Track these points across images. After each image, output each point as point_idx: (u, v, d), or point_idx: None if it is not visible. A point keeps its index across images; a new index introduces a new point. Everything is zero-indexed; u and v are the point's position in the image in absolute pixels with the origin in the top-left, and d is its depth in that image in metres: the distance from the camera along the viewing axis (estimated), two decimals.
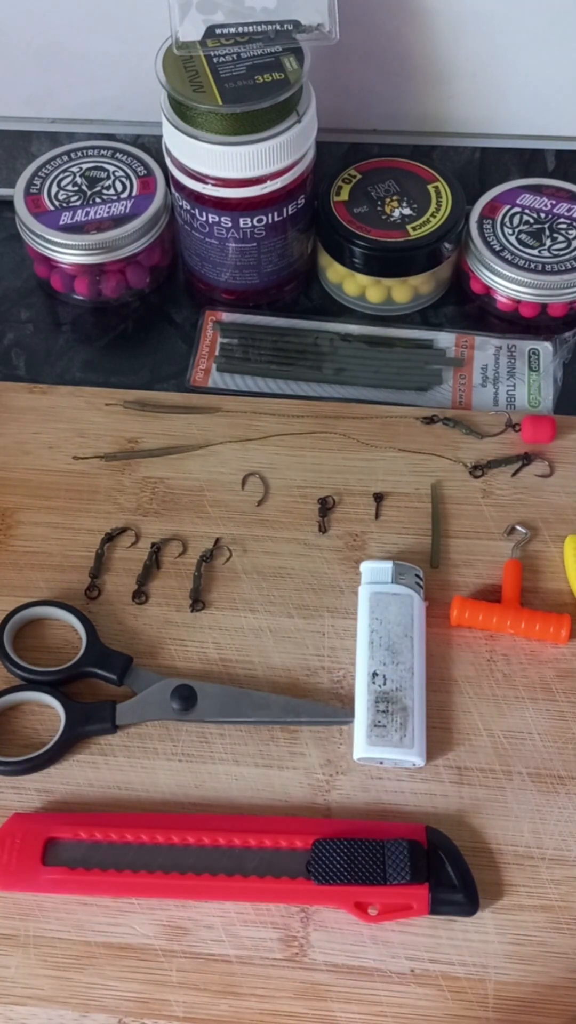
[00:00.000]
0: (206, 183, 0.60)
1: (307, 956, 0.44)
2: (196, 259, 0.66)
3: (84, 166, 0.68)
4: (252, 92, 0.56)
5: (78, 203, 0.66)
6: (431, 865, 0.45)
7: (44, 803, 0.49)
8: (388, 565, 0.53)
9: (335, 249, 0.66)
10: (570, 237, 0.65)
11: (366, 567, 0.53)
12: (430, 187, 0.66)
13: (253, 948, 0.45)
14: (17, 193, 0.67)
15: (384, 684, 0.49)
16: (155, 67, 0.58)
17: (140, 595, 0.55)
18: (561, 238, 0.65)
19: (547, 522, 0.57)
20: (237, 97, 0.56)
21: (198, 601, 0.55)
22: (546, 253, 0.65)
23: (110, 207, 0.66)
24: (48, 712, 0.51)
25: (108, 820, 0.47)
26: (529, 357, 0.65)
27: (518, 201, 0.67)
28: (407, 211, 0.65)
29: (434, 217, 0.65)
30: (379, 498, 0.58)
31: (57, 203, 0.66)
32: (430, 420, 0.61)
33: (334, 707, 0.51)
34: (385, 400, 0.63)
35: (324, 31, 0.59)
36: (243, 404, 0.62)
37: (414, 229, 0.65)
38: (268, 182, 0.60)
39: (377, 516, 0.58)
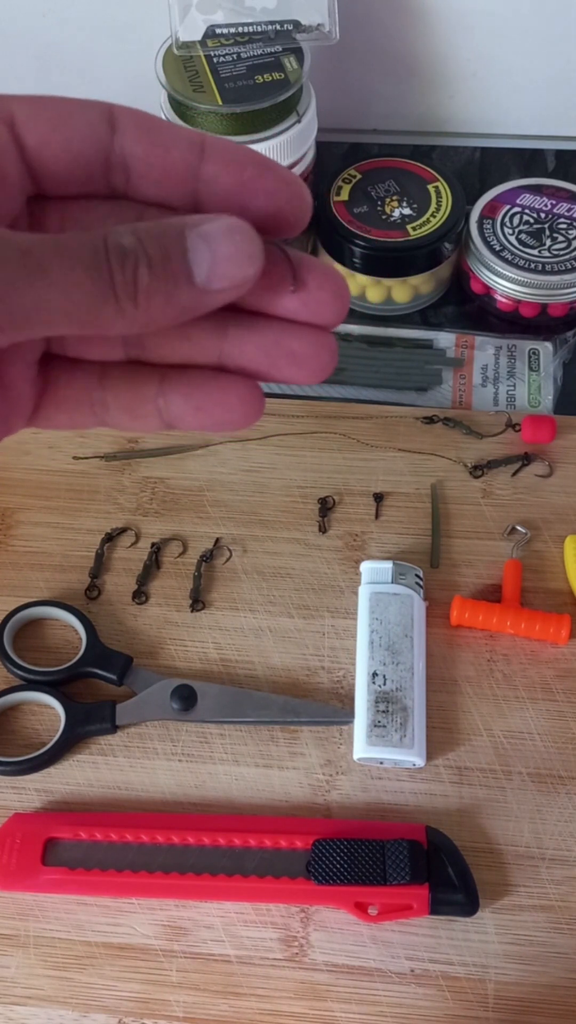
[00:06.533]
0: None
1: (307, 956, 0.44)
2: None
3: None
4: (252, 92, 0.56)
5: None
6: (431, 865, 0.45)
7: (44, 803, 0.49)
8: (388, 565, 0.53)
9: (335, 249, 0.66)
10: (570, 237, 0.65)
11: (366, 567, 0.53)
12: (430, 187, 0.66)
13: (253, 948, 0.45)
14: None
15: (384, 684, 0.49)
16: (155, 67, 0.58)
17: (140, 595, 0.55)
18: (561, 238, 0.65)
19: (547, 522, 0.57)
20: (237, 97, 0.56)
21: (198, 601, 0.55)
22: (546, 253, 0.65)
23: None
24: (48, 712, 0.51)
25: (108, 820, 0.47)
26: (529, 357, 0.65)
27: (518, 201, 0.67)
28: (407, 211, 0.65)
29: (434, 217, 0.65)
30: (379, 498, 0.58)
31: None
32: (430, 420, 0.61)
33: (334, 707, 0.51)
34: (385, 400, 0.63)
35: (324, 31, 0.59)
36: None
37: (414, 229, 0.65)
38: None
39: (377, 516, 0.57)
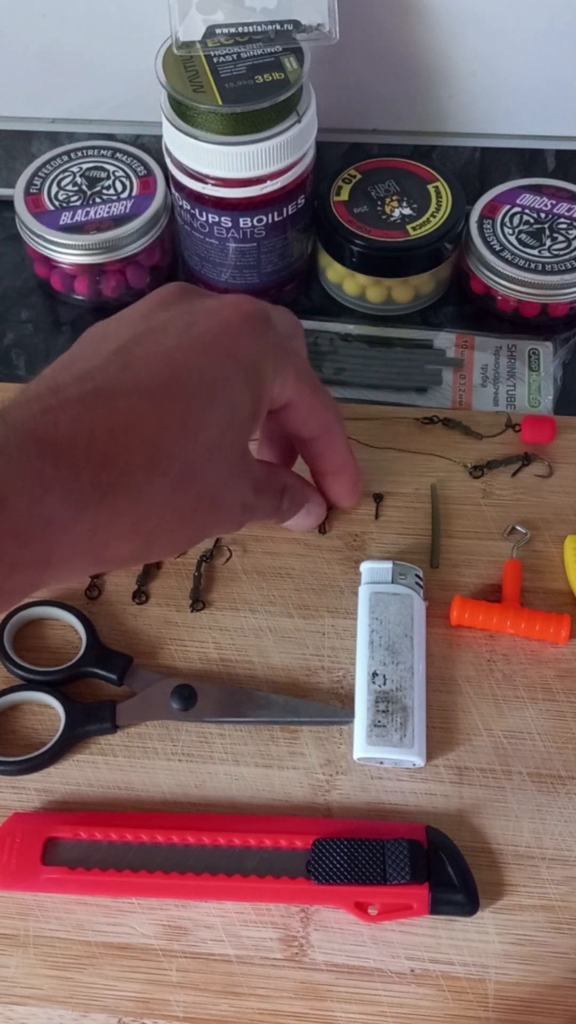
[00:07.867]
0: (206, 183, 0.60)
1: (307, 956, 0.44)
2: (196, 259, 0.66)
3: (84, 166, 0.68)
4: (252, 92, 0.56)
5: (78, 203, 0.66)
6: (431, 865, 0.45)
7: (44, 803, 0.49)
8: (388, 565, 0.53)
9: (335, 249, 0.66)
10: (570, 237, 0.65)
11: (366, 567, 0.53)
12: (430, 187, 0.67)
13: (253, 948, 0.45)
14: (17, 193, 0.67)
15: (384, 684, 0.49)
16: (155, 67, 0.58)
17: (140, 595, 0.55)
18: (561, 238, 0.65)
19: (547, 522, 0.57)
20: (237, 97, 0.56)
21: (198, 601, 0.55)
22: (546, 253, 0.65)
23: (110, 207, 0.66)
24: (48, 712, 0.51)
25: (108, 820, 0.47)
26: (529, 357, 0.65)
27: (518, 201, 0.67)
28: (407, 211, 0.65)
29: (434, 217, 0.65)
30: (379, 498, 0.58)
31: (57, 203, 0.66)
32: (430, 420, 0.61)
33: (334, 707, 0.51)
34: (385, 400, 0.63)
35: (324, 31, 0.59)
36: None
37: (414, 229, 0.65)
38: (268, 182, 0.60)
39: (377, 516, 0.57)
